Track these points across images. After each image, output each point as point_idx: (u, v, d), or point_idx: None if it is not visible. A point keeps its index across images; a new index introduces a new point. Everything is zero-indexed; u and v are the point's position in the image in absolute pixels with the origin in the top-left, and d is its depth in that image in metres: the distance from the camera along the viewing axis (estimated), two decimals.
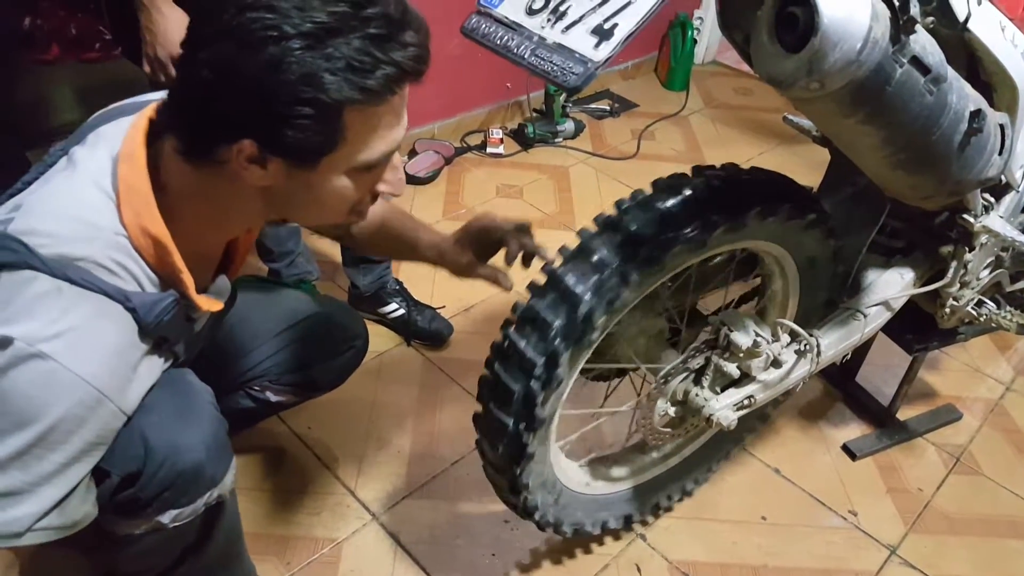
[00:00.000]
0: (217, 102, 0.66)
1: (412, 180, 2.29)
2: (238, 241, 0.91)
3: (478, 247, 1.06)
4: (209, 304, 0.83)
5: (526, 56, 0.73)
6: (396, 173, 0.79)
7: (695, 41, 3.05)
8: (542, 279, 0.97)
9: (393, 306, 1.73)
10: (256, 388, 1.21)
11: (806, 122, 1.36)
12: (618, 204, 0.97)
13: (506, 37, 0.76)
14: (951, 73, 0.83)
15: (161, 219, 0.74)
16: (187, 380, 0.84)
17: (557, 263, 0.96)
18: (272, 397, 1.22)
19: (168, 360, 0.83)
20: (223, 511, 0.94)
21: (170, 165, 0.75)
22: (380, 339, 1.68)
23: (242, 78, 0.64)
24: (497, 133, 2.53)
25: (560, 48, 0.72)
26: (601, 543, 1.32)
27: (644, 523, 1.35)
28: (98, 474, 0.77)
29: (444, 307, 1.79)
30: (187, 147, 0.72)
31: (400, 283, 1.78)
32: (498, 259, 1.11)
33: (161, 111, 0.76)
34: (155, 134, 0.76)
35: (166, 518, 0.82)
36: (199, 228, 0.79)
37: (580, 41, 0.71)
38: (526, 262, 1.03)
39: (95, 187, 0.74)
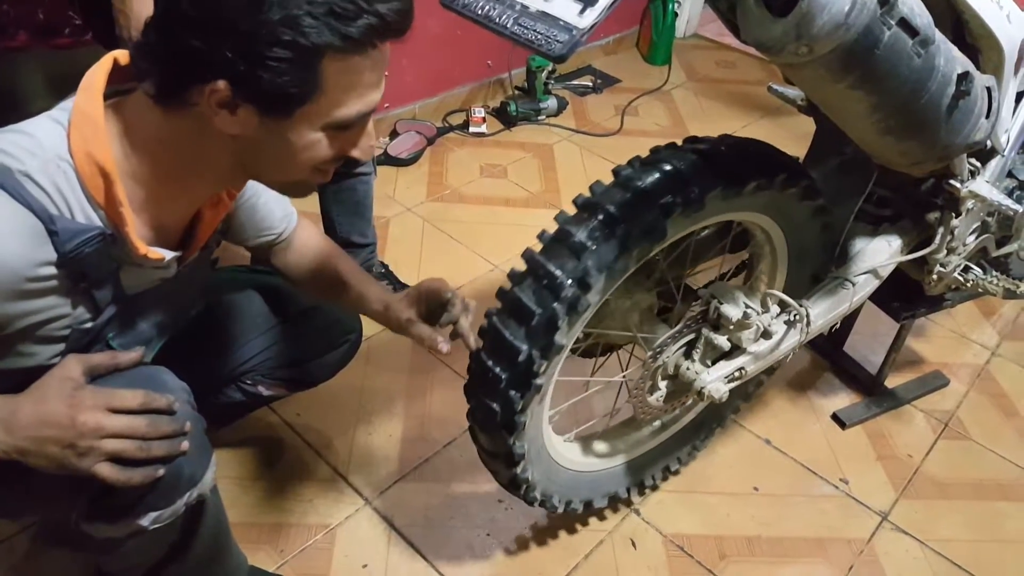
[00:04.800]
0: (194, 37, 0.65)
1: (394, 162, 2.26)
2: (203, 217, 0.88)
3: (424, 308, 1.04)
4: (147, 249, 0.78)
5: (508, 25, 0.71)
6: (368, 139, 0.77)
7: (676, 14, 3.02)
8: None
9: None
10: (248, 382, 1.19)
11: (791, 92, 1.35)
12: (615, 171, 0.97)
13: (487, 6, 0.73)
14: (939, 36, 0.82)
15: (109, 147, 0.72)
16: (161, 379, 0.81)
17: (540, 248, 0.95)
18: (264, 391, 1.21)
19: (87, 311, 0.79)
20: (205, 509, 0.92)
21: (140, 111, 0.73)
22: (367, 323, 1.65)
23: (222, 14, 0.63)
24: (479, 112, 2.50)
25: (543, 16, 0.70)
26: (595, 519, 1.33)
27: (639, 496, 1.36)
28: (70, 479, 0.75)
29: None
30: (159, 87, 0.70)
31: (386, 266, 1.76)
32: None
33: (134, 53, 0.74)
34: (124, 82, 0.75)
35: (146, 521, 0.80)
36: (162, 181, 0.77)
37: (564, 8, 0.69)
38: (452, 335, 1.02)
39: (50, 119, 0.74)
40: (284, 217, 1.08)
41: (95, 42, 1.37)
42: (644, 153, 1.00)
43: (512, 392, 0.95)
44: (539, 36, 0.69)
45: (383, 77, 0.73)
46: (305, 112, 0.69)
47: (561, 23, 0.68)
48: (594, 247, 0.91)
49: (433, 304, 1.03)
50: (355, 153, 0.77)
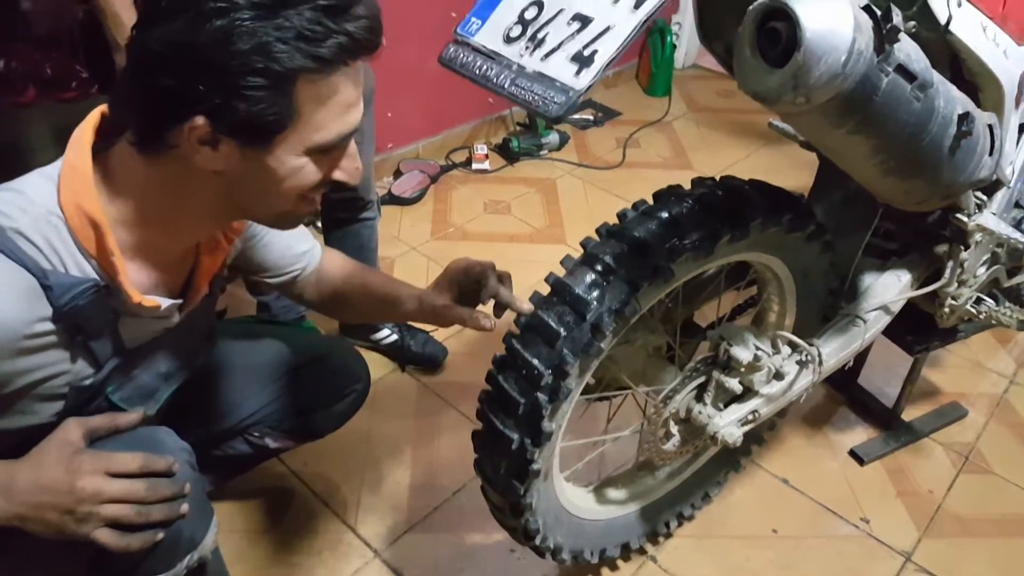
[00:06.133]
0: (168, 76, 0.65)
1: (398, 201, 2.27)
2: (201, 264, 0.88)
3: (458, 290, 1.00)
4: (141, 298, 0.78)
5: (506, 86, 0.71)
6: (352, 162, 0.76)
7: (674, 46, 3.05)
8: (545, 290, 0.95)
9: (385, 332, 1.71)
10: (255, 434, 1.18)
11: (792, 127, 1.35)
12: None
13: (485, 67, 0.74)
14: (937, 77, 0.82)
15: (97, 199, 0.73)
16: (158, 439, 0.80)
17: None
18: (271, 443, 1.19)
19: (88, 365, 0.79)
20: (207, 571, 0.91)
21: (124, 160, 0.74)
22: (373, 366, 1.64)
23: (192, 50, 0.63)
24: (482, 149, 2.51)
25: (540, 77, 0.70)
26: (610, 568, 1.30)
27: (654, 543, 1.33)
28: (70, 543, 0.74)
29: (437, 330, 1.76)
30: (140, 134, 0.71)
31: None
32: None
33: (112, 104, 0.75)
34: (110, 134, 0.75)
35: None
36: (152, 227, 0.77)
37: (560, 69, 0.69)
38: (497, 310, 0.98)
39: (41, 175, 0.74)
40: (305, 253, 1.07)
41: (101, 94, 1.38)
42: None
43: (512, 481, 0.96)
44: (536, 97, 0.69)
45: (360, 97, 0.73)
46: (285, 138, 0.69)
47: (558, 84, 0.68)
48: (567, 333, 0.90)
49: (466, 283, 0.99)
50: (340, 176, 0.76)
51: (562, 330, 0.89)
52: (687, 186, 0.99)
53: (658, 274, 0.89)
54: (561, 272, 0.94)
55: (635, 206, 0.96)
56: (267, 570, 1.27)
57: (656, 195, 0.98)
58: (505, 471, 0.96)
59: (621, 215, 0.96)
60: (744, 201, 0.97)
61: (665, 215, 0.92)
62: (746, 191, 0.99)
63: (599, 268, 0.90)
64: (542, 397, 0.90)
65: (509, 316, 0.95)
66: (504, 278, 0.97)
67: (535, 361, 0.90)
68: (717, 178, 1.01)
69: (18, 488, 0.71)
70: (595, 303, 0.88)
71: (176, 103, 0.66)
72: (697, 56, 3.35)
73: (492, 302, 0.96)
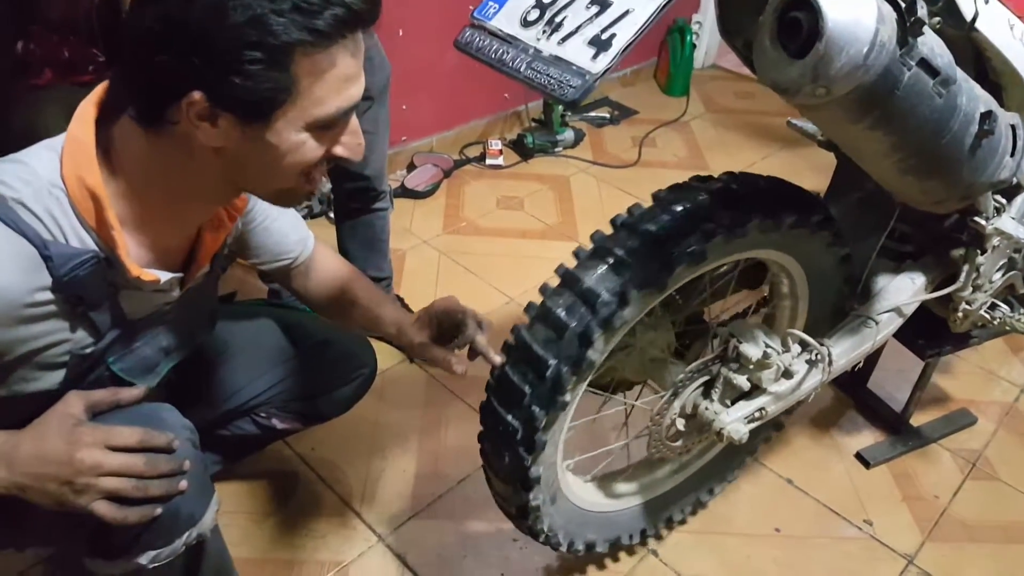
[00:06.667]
0: (163, 52, 0.65)
1: (411, 194, 2.28)
2: (204, 240, 0.88)
3: (437, 330, 1.02)
4: (139, 271, 0.78)
5: (521, 69, 0.71)
6: (355, 138, 0.75)
7: (694, 46, 3.03)
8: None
9: None
10: (262, 415, 1.19)
11: (810, 126, 1.34)
12: (613, 221, 0.95)
13: (501, 50, 0.74)
14: (960, 75, 0.81)
15: (99, 172, 0.73)
16: (160, 416, 0.80)
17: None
18: (278, 424, 1.20)
19: (88, 335, 0.79)
20: (206, 549, 0.91)
21: (127, 135, 0.73)
22: (382, 357, 1.65)
23: (187, 25, 0.63)
24: (496, 144, 2.51)
25: (556, 60, 0.70)
26: (612, 560, 1.30)
27: (657, 538, 1.33)
28: (71, 514, 0.74)
29: None
30: (140, 110, 0.71)
31: (400, 299, 1.76)
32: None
33: (113, 80, 0.75)
34: (114, 108, 0.75)
35: (144, 559, 0.79)
36: (154, 203, 0.77)
37: (577, 52, 0.69)
38: (472, 355, 0.99)
39: (46, 147, 0.75)
40: (299, 241, 1.07)
41: None
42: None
43: (519, 520, 0.99)
44: (552, 80, 0.69)
45: (361, 70, 0.71)
46: (285, 113, 0.68)
47: (574, 68, 0.68)
48: (531, 391, 0.91)
49: (446, 324, 1.01)
50: (341, 152, 0.75)
51: (526, 388, 0.89)
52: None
53: (607, 327, 0.87)
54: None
55: (592, 237, 0.93)
56: (272, 552, 1.28)
57: (613, 221, 0.94)
58: (509, 506, 0.99)
59: (576, 254, 0.93)
60: (784, 189, 0.94)
61: (620, 252, 0.89)
62: (778, 183, 0.95)
63: (553, 321, 0.88)
64: (521, 449, 0.90)
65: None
66: (483, 325, 1.00)
67: (508, 417, 0.91)
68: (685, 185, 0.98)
69: (20, 458, 0.72)
70: (551, 360, 0.87)
71: (172, 78, 0.66)
72: (717, 56, 3.33)
73: (467, 348, 0.99)
